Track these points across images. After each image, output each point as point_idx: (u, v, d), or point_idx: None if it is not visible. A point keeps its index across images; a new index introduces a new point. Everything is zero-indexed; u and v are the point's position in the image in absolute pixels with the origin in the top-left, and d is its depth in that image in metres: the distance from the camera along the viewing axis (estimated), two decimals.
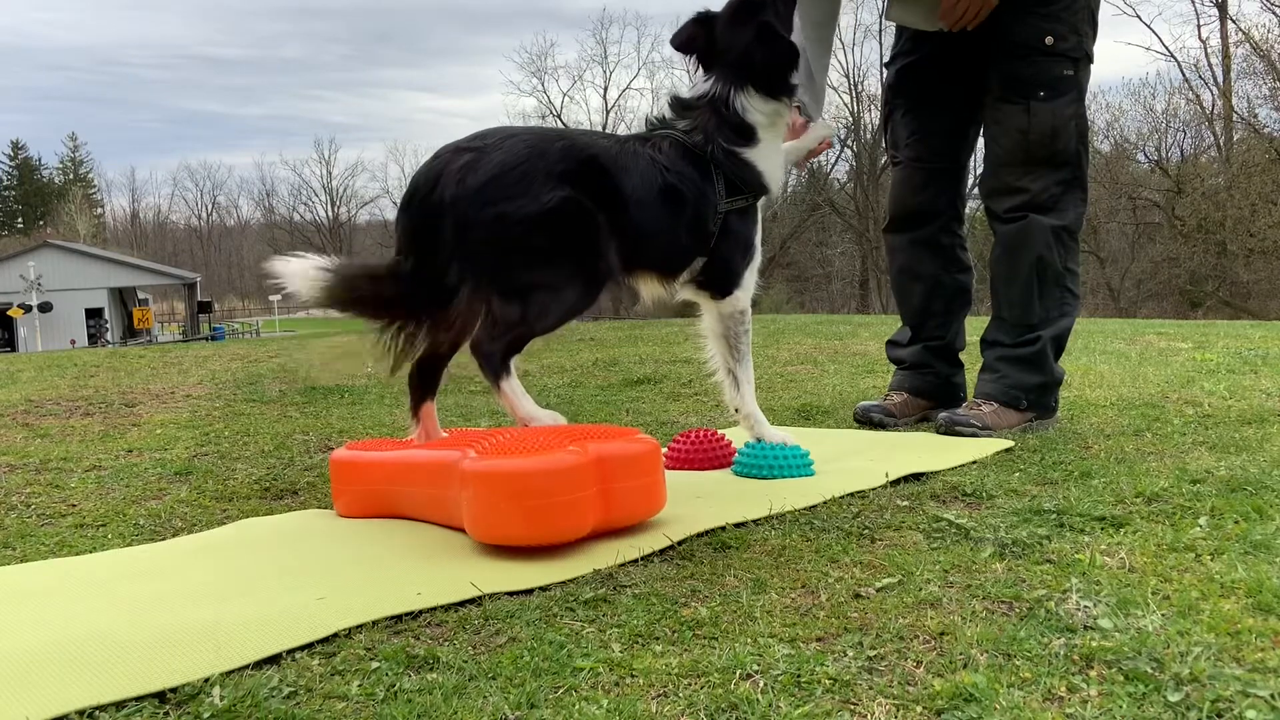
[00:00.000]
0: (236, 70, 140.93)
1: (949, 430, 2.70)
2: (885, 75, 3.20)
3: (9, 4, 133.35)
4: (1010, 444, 2.52)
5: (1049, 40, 2.70)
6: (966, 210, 3.19)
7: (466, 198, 1.89)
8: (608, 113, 47.28)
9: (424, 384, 2.15)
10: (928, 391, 3.07)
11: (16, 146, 76.41)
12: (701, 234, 2.19)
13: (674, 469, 2.44)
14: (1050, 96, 2.72)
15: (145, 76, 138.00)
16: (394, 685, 1.17)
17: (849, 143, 38.40)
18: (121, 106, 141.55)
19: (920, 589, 1.44)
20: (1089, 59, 2.78)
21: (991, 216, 2.86)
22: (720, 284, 2.28)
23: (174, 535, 1.99)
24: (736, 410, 2.38)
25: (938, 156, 3.01)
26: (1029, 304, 2.79)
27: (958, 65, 2.89)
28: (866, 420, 3.00)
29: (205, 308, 47.57)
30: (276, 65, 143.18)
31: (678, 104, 2.27)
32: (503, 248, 1.91)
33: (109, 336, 37.61)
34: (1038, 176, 2.75)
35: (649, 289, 2.24)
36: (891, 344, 3.20)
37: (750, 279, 2.31)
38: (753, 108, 2.22)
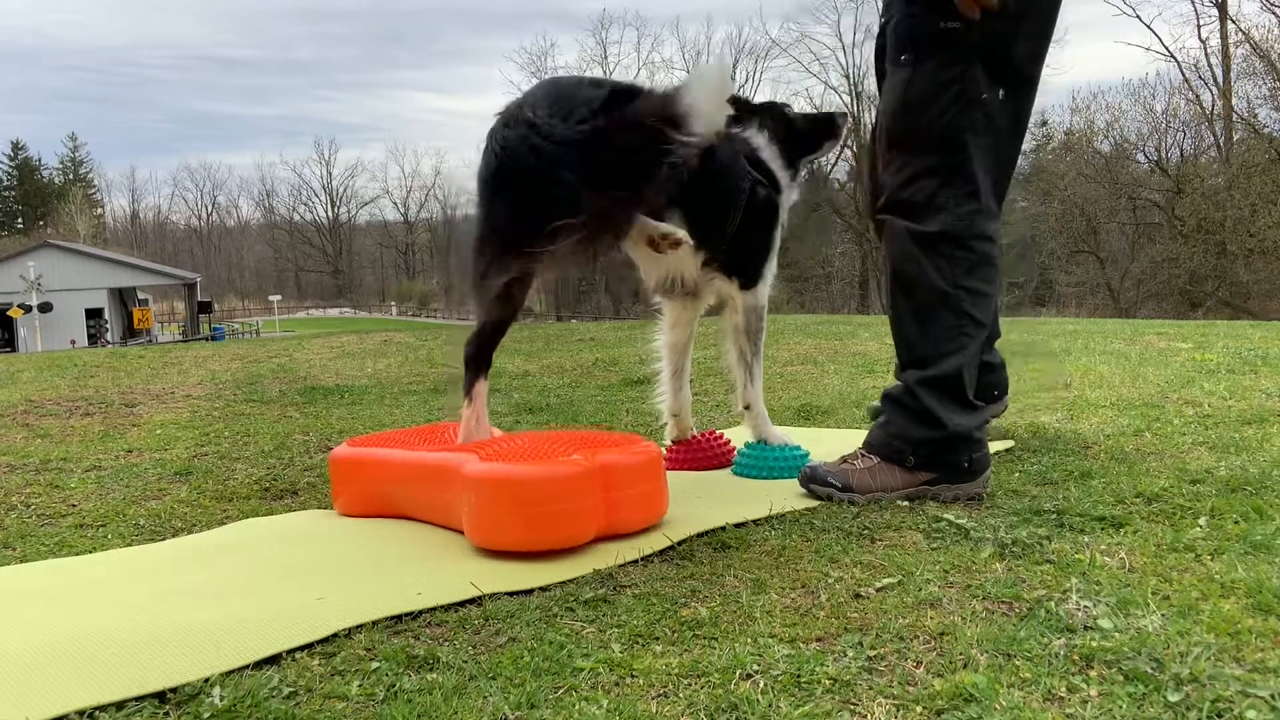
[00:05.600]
0: (248, 71, 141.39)
1: (805, 486, 2.09)
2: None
3: (27, 5, 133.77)
4: (1010, 443, 2.51)
5: None
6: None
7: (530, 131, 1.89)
8: None
9: (479, 363, 2.15)
10: None
11: (16, 146, 76.39)
12: (735, 183, 2.23)
13: (674, 469, 2.44)
14: (913, 60, 2.04)
15: (156, 77, 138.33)
16: (394, 685, 1.17)
17: (849, 143, 38.39)
18: (131, 107, 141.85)
19: (920, 589, 1.44)
20: (990, 8, 1.97)
21: None
22: (747, 269, 2.34)
23: (174, 535, 1.99)
24: (747, 408, 2.40)
25: None
26: (904, 330, 2.13)
27: None
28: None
29: (205, 308, 47.54)
30: (287, 66, 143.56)
31: None
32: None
33: (109, 336, 37.59)
34: (892, 165, 2.11)
35: (678, 253, 2.23)
36: None
37: (770, 275, 2.39)
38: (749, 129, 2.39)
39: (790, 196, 2.43)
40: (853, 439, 2.76)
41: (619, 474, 1.76)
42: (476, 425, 2.12)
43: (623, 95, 2.00)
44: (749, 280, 2.35)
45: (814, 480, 2.08)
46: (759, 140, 2.38)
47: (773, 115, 2.44)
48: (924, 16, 2.03)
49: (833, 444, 2.67)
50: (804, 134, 2.46)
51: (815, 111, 2.56)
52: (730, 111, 1.89)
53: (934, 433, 2.04)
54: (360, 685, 1.18)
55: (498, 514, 1.69)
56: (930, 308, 2.07)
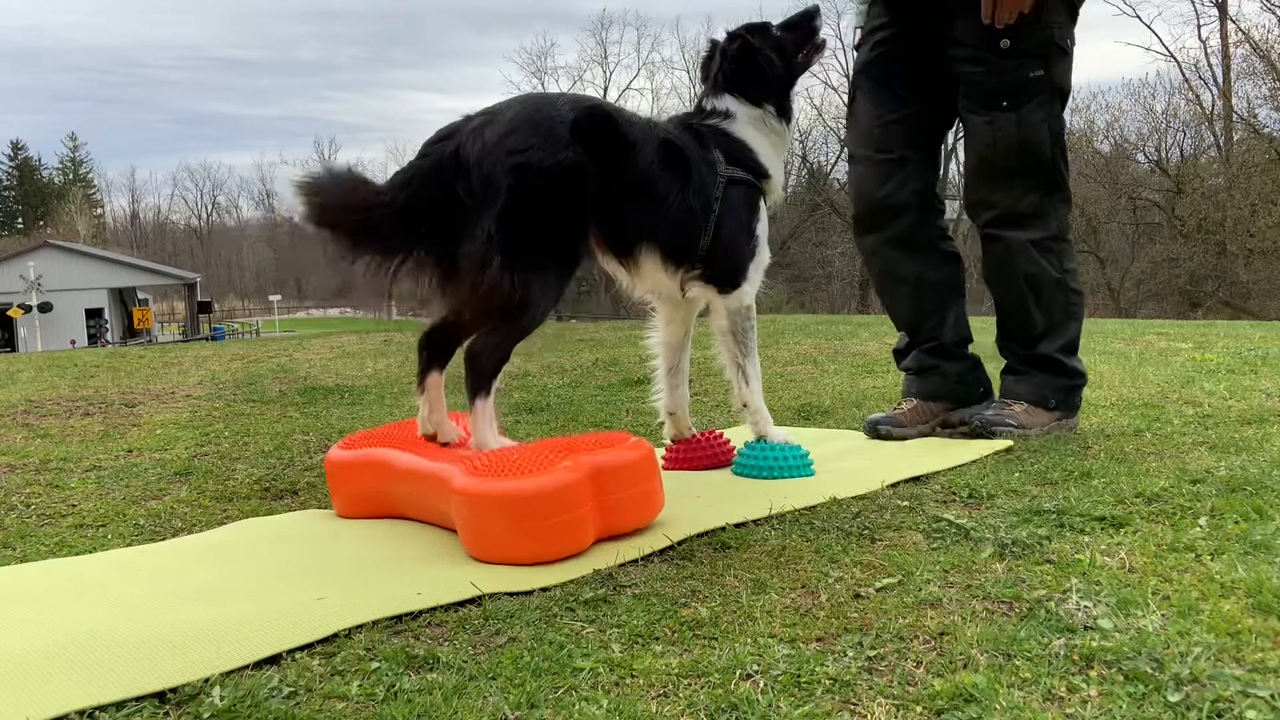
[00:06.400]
0: (252, 71, 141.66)
1: (986, 433, 2.60)
2: (855, 57, 2.94)
3: (36, 5, 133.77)
4: (1010, 444, 2.51)
5: (1004, 44, 2.51)
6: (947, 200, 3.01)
7: (489, 151, 1.88)
8: None
9: (432, 353, 2.11)
10: (939, 394, 2.82)
11: (16, 146, 76.42)
12: (706, 202, 2.19)
13: (674, 469, 2.44)
14: (1015, 104, 2.56)
15: (158, 77, 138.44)
16: (394, 685, 1.17)
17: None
18: (132, 107, 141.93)
19: (920, 589, 1.44)
20: (1063, 50, 2.59)
21: (976, 231, 2.79)
22: (726, 275, 2.27)
23: (174, 535, 1.99)
24: (745, 406, 2.38)
25: (902, 145, 2.75)
26: (1029, 317, 2.72)
27: (936, 47, 2.66)
28: (874, 434, 2.76)
29: (205, 308, 47.55)
30: (289, 66, 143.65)
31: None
32: (523, 202, 1.88)
33: (109, 337, 37.59)
34: (1009, 190, 2.65)
35: (650, 272, 2.21)
36: (895, 352, 3.00)
37: (756, 275, 2.32)
38: (729, 106, 2.33)
39: (779, 166, 2.37)
40: (853, 439, 2.78)
41: (612, 477, 1.74)
42: (428, 417, 2.07)
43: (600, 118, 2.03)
44: (728, 284, 2.28)
45: (994, 424, 2.62)
46: (738, 127, 2.30)
47: (765, 38, 2.36)
48: (1017, 69, 2.56)
49: (833, 444, 2.67)
50: (790, 51, 2.39)
51: (785, 21, 2.45)
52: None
53: (1068, 380, 2.73)
54: (360, 685, 1.18)
55: (493, 530, 1.67)
56: (1051, 294, 2.69)
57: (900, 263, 2.83)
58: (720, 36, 2.41)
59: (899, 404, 2.88)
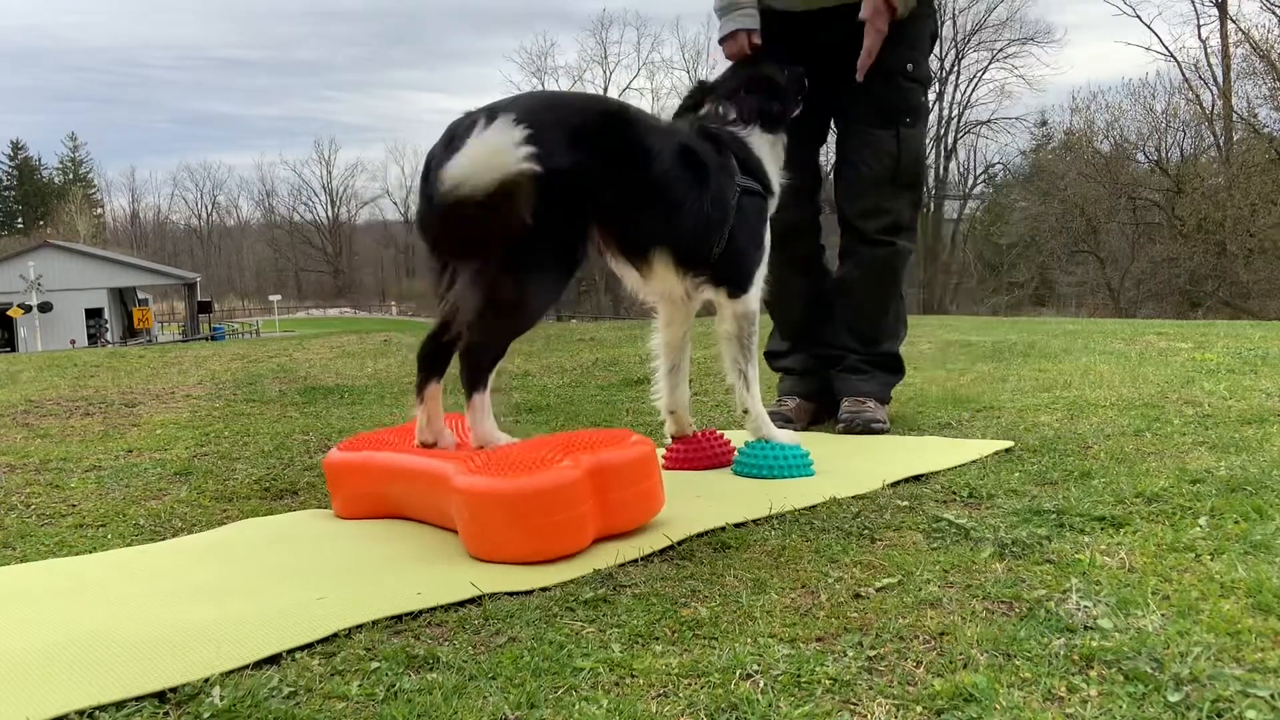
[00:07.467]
0: (252, 72, 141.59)
1: (865, 431, 2.82)
2: None
3: (36, 5, 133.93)
4: (1010, 444, 2.52)
5: (910, 67, 2.83)
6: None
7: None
8: None
9: (432, 362, 2.09)
10: (815, 395, 3.14)
11: (16, 146, 76.37)
12: (723, 211, 2.22)
13: (674, 469, 2.44)
14: (913, 123, 2.89)
15: (158, 78, 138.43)
16: (394, 685, 1.17)
17: None
18: (132, 107, 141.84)
19: (920, 589, 1.44)
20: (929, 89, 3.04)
21: (855, 236, 2.96)
22: (736, 280, 2.33)
23: (174, 535, 1.99)
24: (746, 411, 2.41)
25: (799, 172, 2.88)
26: (881, 321, 3.01)
27: (815, 84, 2.92)
28: None
29: (205, 308, 47.52)
30: (291, 67, 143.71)
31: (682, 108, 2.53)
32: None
33: (109, 336, 37.59)
34: (900, 199, 2.93)
35: (662, 277, 2.22)
36: (772, 355, 3.25)
37: (760, 280, 2.38)
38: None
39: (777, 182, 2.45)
40: (853, 439, 2.78)
41: (613, 475, 1.74)
42: (427, 426, 2.05)
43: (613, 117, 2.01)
44: (737, 289, 2.33)
45: (869, 421, 2.84)
46: (754, 140, 2.38)
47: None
48: (915, 93, 2.91)
49: (833, 444, 2.67)
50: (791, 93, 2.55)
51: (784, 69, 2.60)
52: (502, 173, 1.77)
53: (900, 376, 3.10)
54: (360, 685, 1.18)
55: (494, 528, 1.67)
56: (899, 302, 3.08)
57: (796, 279, 3.08)
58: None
59: (781, 400, 3.12)
